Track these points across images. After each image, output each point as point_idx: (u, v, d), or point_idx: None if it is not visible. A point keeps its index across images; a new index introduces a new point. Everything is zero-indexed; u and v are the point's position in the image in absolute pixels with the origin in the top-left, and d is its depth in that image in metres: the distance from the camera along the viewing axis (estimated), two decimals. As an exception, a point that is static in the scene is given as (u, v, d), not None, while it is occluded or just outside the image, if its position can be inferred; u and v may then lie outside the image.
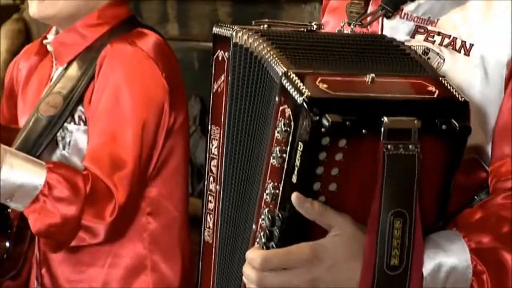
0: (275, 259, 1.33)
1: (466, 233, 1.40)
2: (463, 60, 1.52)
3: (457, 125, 1.32)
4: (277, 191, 1.36)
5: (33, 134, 2.31)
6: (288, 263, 1.33)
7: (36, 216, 2.14)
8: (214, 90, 1.64)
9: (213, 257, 1.62)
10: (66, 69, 2.32)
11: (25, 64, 2.46)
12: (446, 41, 1.57)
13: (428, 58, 1.52)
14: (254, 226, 1.42)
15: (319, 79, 1.34)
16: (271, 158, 1.37)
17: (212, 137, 1.64)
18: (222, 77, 1.61)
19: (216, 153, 1.62)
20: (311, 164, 1.31)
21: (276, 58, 1.41)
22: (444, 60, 1.54)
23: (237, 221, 1.55)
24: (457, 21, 1.58)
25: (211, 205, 1.63)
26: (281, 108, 1.37)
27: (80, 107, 2.28)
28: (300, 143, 1.31)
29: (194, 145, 3.19)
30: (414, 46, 1.52)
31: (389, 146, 1.30)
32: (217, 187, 1.62)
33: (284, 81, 1.34)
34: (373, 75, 1.32)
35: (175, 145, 2.36)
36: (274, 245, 1.34)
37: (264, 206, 1.38)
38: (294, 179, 1.31)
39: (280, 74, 1.36)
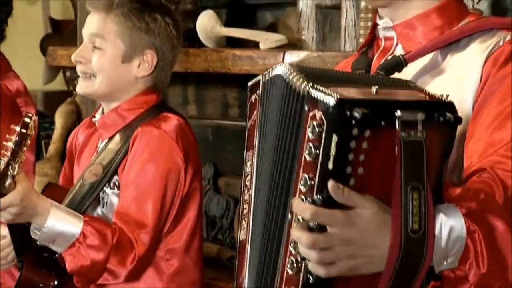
0: (321, 214, 1.36)
1: (456, 203, 1.46)
2: None
3: (451, 116, 1.39)
4: (312, 181, 1.39)
5: (78, 196, 2.36)
6: (329, 221, 1.36)
7: (71, 258, 2.20)
8: (248, 126, 1.70)
9: (247, 251, 1.68)
10: (107, 143, 2.40)
11: (82, 135, 2.53)
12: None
13: None
14: (289, 216, 1.47)
15: (339, 89, 1.38)
16: (305, 154, 1.41)
17: (246, 160, 1.70)
18: (255, 112, 1.67)
19: (249, 170, 1.69)
20: (344, 152, 1.36)
21: (301, 79, 1.47)
22: None
23: (266, 220, 1.60)
24: (436, 82, 1.70)
25: (245, 211, 1.69)
26: (310, 114, 1.41)
27: (115, 176, 2.36)
28: (334, 135, 1.35)
29: (208, 200, 3.25)
30: None
31: (403, 134, 1.35)
32: (251, 192, 1.67)
33: (313, 92, 1.40)
34: (376, 87, 1.40)
35: (190, 204, 2.41)
36: (309, 228, 1.38)
37: (301, 196, 1.42)
38: (330, 166, 1.36)
39: (308, 87, 1.42)
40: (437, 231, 1.40)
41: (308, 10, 2.91)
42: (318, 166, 1.37)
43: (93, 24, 2.37)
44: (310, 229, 1.37)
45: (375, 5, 1.77)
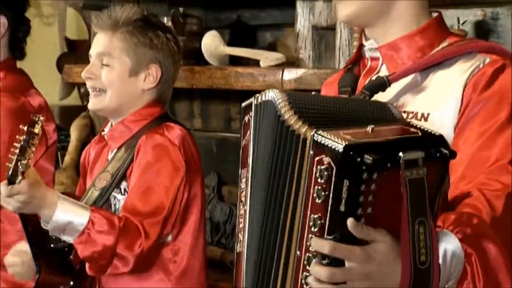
0: (339, 249, 1.34)
1: (452, 229, 1.46)
2: (423, 123, 1.60)
3: (447, 151, 1.38)
4: (322, 221, 1.37)
5: (89, 200, 2.35)
6: (348, 256, 1.35)
7: (83, 246, 2.17)
8: (242, 145, 1.67)
9: (243, 263, 1.65)
10: (116, 153, 2.40)
11: (93, 151, 2.53)
12: (411, 115, 1.67)
13: None
14: (298, 252, 1.43)
15: (341, 133, 1.37)
16: (313, 196, 1.38)
17: (241, 177, 1.67)
18: (248, 133, 1.65)
19: (243, 187, 1.66)
20: (355, 195, 1.33)
21: (299, 120, 1.45)
22: None
23: (261, 235, 1.57)
24: (418, 102, 1.68)
25: (241, 225, 1.67)
26: (317, 158, 1.38)
27: (124, 182, 2.35)
28: (346, 181, 1.33)
29: (212, 207, 3.27)
30: None
31: (407, 173, 1.34)
32: (245, 208, 1.64)
33: (318, 138, 1.38)
34: (372, 126, 1.39)
35: (192, 209, 2.41)
36: (327, 263, 1.35)
37: (310, 235, 1.39)
38: (342, 208, 1.33)
39: (312, 133, 1.40)
40: (441, 258, 1.40)
41: (305, 31, 2.91)
42: (329, 208, 1.35)
43: (100, 43, 2.38)
44: (326, 265, 1.35)
45: (357, 25, 1.76)
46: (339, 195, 1.33)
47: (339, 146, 1.32)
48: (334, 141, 1.34)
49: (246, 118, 1.65)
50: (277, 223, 1.51)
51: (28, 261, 2.35)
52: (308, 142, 1.40)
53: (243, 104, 1.67)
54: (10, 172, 2.06)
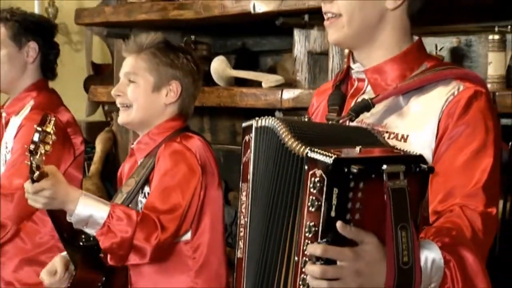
0: (331, 250, 1.34)
1: (433, 238, 1.45)
2: (404, 146, 1.59)
3: (426, 167, 1.38)
4: (316, 228, 1.36)
5: (117, 202, 2.30)
6: (339, 256, 1.34)
7: (103, 237, 2.14)
8: (243, 162, 1.65)
9: (243, 269, 1.65)
10: (142, 161, 2.38)
11: (127, 165, 2.51)
12: (392, 136, 1.64)
13: None
14: (296, 258, 1.41)
15: (332, 150, 1.36)
16: (308, 206, 1.38)
17: (242, 190, 1.65)
18: (248, 151, 1.63)
19: (244, 199, 1.65)
20: (344, 202, 1.34)
21: (295, 141, 1.45)
22: None
23: (261, 243, 1.56)
24: (398, 124, 1.65)
25: (241, 234, 1.65)
26: (311, 172, 1.38)
27: (146, 187, 2.33)
28: (335, 189, 1.33)
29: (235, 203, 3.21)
30: None
31: (390, 184, 1.34)
32: (246, 219, 1.63)
33: (312, 154, 1.38)
34: (360, 147, 1.39)
35: (209, 209, 2.37)
36: (321, 263, 1.34)
37: (306, 241, 1.38)
38: (333, 214, 1.33)
39: (307, 150, 1.39)
40: (422, 264, 1.39)
41: (301, 56, 2.91)
42: (321, 215, 1.35)
43: (127, 64, 2.39)
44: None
45: (345, 46, 1.72)
46: (330, 202, 1.33)
47: (329, 159, 1.33)
48: (325, 155, 1.35)
49: (247, 137, 1.64)
50: (276, 232, 1.50)
51: (60, 276, 2.31)
52: (303, 158, 1.40)
53: (244, 125, 1.66)
54: (34, 168, 2.02)
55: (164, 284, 2.34)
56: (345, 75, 1.79)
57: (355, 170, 1.32)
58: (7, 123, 2.85)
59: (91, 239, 2.23)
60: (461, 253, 1.46)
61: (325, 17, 1.69)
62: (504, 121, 2.01)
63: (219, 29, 3.33)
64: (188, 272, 2.36)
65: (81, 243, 2.25)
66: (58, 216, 2.21)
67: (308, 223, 1.38)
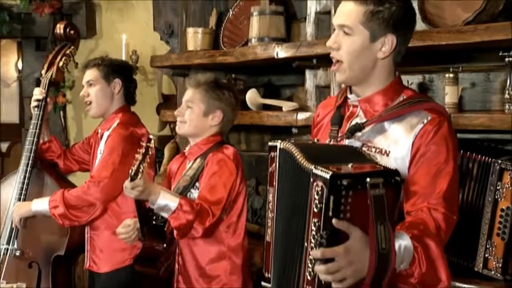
0: (327, 252, 1.34)
1: (405, 230, 1.44)
2: (386, 159, 1.56)
3: (399, 179, 1.38)
4: (319, 223, 1.36)
5: (177, 192, 2.28)
6: (334, 255, 1.34)
7: (173, 220, 2.16)
8: (270, 171, 1.61)
9: (271, 249, 1.61)
10: (192, 164, 2.37)
11: (175, 164, 2.49)
12: (377, 150, 1.60)
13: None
14: (306, 244, 1.40)
15: (330, 167, 1.36)
16: (313, 207, 1.37)
17: (269, 192, 1.62)
18: (273, 164, 1.60)
19: (271, 199, 1.61)
20: (338, 205, 1.33)
21: (305, 160, 1.44)
22: (377, 158, 1.57)
23: (283, 232, 1.55)
24: (382, 142, 1.60)
25: (269, 223, 1.62)
26: (315, 183, 1.38)
27: (197, 182, 2.32)
28: (331, 196, 1.33)
29: (253, 199, 3.22)
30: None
31: (372, 192, 1.33)
32: (272, 214, 1.60)
33: (315, 171, 1.38)
34: (351, 164, 1.38)
35: (238, 200, 2.37)
36: (324, 262, 1.34)
37: (312, 232, 1.38)
38: (330, 213, 1.34)
39: (312, 168, 1.40)
40: (396, 249, 1.39)
41: (311, 89, 2.89)
42: (322, 214, 1.35)
43: (188, 94, 2.36)
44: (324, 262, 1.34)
45: (348, 84, 1.69)
46: (328, 206, 1.34)
47: (327, 175, 1.34)
48: (325, 172, 1.35)
49: (272, 154, 1.61)
50: (293, 225, 1.49)
51: (130, 231, 2.31)
52: (310, 173, 1.40)
53: (270, 144, 1.62)
54: (132, 173, 2.06)
55: (205, 250, 2.33)
56: (344, 101, 1.75)
57: (345, 183, 1.32)
58: (101, 136, 2.85)
59: (159, 219, 2.23)
60: (426, 242, 1.44)
61: (333, 60, 1.65)
62: (457, 135, 1.89)
63: (252, 69, 3.32)
64: (223, 242, 2.35)
65: (153, 222, 2.26)
66: (140, 203, 2.20)
67: (313, 219, 1.38)
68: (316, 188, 1.37)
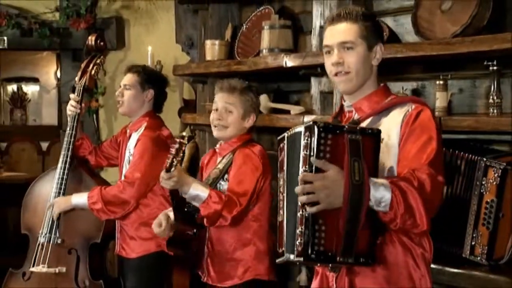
0: (308, 176, 1.40)
1: (388, 180, 1.47)
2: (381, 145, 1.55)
3: (375, 129, 1.45)
4: (304, 167, 1.42)
5: (208, 182, 2.27)
6: (313, 178, 1.39)
7: (203, 209, 2.16)
8: (280, 160, 1.64)
9: (284, 227, 1.58)
10: (222, 159, 2.34)
11: (206, 159, 2.49)
12: None
13: None
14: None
15: (319, 121, 1.44)
16: (303, 154, 1.43)
17: (279, 178, 1.64)
18: (282, 154, 1.62)
19: (281, 183, 1.62)
20: (321, 146, 1.40)
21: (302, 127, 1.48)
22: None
23: (294, 206, 1.52)
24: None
25: (280, 204, 1.62)
26: (307, 134, 1.45)
27: (226, 175, 2.29)
28: (313, 138, 1.40)
29: (275, 189, 3.08)
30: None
31: (349, 136, 1.39)
32: (283, 195, 1.61)
33: (306, 124, 1.46)
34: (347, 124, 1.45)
35: (264, 193, 2.33)
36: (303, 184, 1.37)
37: (305, 167, 1.44)
38: (312, 154, 1.41)
39: (305, 126, 1.46)
40: (371, 184, 1.41)
41: (316, 94, 2.87)
42: (308, 155, 1.42)
43: (223, 99, 2.32)
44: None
45: (345, 93, 1.71)
46: (311, 148, 1.41)
47: (311, 123, 1.43)
48: (311, 123, 1.44)
49: (281, 145, 1.64)
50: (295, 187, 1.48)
51: (164, 226, 2.26)
52: (304, 129, 1.46)
53: (279, 138, 1.66)
54: (168, 165, 2.03)
55: (233, 236, 2.31)
56: (340, 110, 1.77)
57: (324, 126, 1.38)
58: (129, 136, 2.85)
59: (191, 206, 2.20)
60: (404, 187, 1.45)
61: (338, 73, 1.66)
62: (446, 136, 1.93)
63: (263, 77, 3.28)
64: (249, 230, 2.32)
65: (185, 209, 2.24)
66: (174, 193, 2.18)
67: (302, 168, 1.44)
68: (305, 139, 1.42)
